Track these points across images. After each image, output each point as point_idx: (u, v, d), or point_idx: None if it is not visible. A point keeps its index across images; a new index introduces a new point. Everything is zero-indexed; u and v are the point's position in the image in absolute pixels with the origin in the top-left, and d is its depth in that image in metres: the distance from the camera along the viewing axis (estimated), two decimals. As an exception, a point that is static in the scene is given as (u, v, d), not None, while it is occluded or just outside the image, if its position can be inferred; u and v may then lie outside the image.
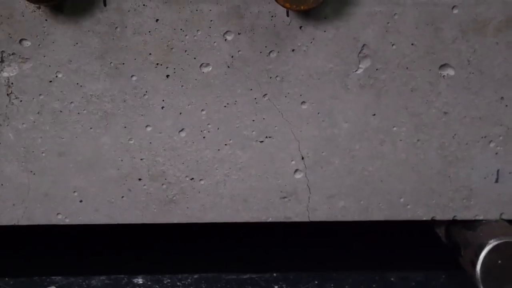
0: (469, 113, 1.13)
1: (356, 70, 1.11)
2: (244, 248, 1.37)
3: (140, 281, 1.22)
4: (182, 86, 1.11)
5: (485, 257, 1.12)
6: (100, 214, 1.16)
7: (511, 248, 1.12)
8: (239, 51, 1.10)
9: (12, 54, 1.08)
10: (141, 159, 1.14)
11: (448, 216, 1.18)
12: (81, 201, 1.15)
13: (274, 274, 1.24)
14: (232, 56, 1.10)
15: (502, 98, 1.13)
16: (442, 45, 1.10)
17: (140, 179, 1.15)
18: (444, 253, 1.27)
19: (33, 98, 1.10)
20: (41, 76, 1.09)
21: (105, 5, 1.07)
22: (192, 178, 1.15)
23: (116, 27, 1.08)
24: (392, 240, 1.39)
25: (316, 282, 1.22)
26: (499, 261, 1.12)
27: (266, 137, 1.14)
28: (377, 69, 1.11)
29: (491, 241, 1.12)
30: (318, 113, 1.13)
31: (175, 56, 1.09)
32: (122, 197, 1.15)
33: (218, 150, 1.14)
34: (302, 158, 1.15)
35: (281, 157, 1.15)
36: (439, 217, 1.18)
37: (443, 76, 1.12)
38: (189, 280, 1.22)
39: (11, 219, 1.15)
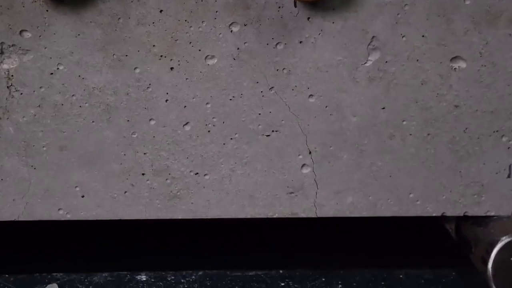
0: (480, 107, 1.11)
1: (365, 63, 1.09)
2: (250, 244, 1.35)
3: (143, 278, 1.21)
4: (186, 78, 1.09)
5: (496, 255, 1.11)
6: (102, 209, 1.14)
7: (523, 245, 1.11)
8: (245, 42, 1.08)
9: (12, 45, 1.06)
10: (145, 154, 1.12)
11: (459, 212, 1.16)
12: (83, 196, 1.13)
13: (280, 271, 1.23)
14: (238, 48, 1.08)
15: (515, 91, 1.11)
16: (453, 37, 1.08)
17: (143, 174, 1.13)
18: (454, 250, 1.26)
19: (34, 91, 1.08)
20: (42, 68, 1.07)
21: (107, -5, 1.05)
22: (197, 173, 1.13)
23: (119, 18, 1.06)
24: (401, 237, 1.38)
25: (323, 279, 1.21)
26: (511, 259, 1.10)
27: (273, 131, 1.12)
28: (386, 62, 1.09)
29: (503, 238, 1.11)
30: (326, 107, 1.11)
31: (179, 48, 1.07)
32: (125, 192, 1.14)
33: (224, 144, 1.12)
34: (310, 153, 1.13)
35: (288, 151, 1.13)
36: (449, 213, 1.16)
37: (454, 68, 1.10)
38: (193, 277, 1.21)
39: (12, 215, 1.14)
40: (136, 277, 1.21)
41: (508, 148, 1.13)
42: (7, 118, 1.09)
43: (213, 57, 1.08)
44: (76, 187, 1.13)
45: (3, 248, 1.31)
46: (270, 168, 1.14)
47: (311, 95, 1.11)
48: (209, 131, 1.11)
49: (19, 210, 1.13)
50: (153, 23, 1.06)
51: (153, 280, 1.20)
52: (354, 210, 1.16)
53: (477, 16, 1.07)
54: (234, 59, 1.08)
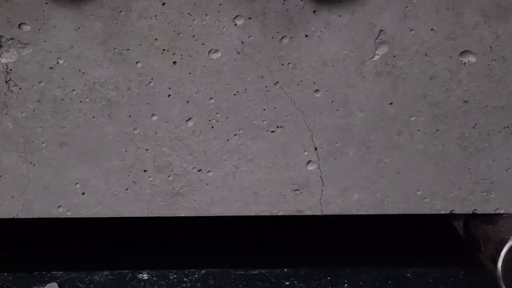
0: (490, 102, 1.09)
1: (373, 57, 1.07)
2: (254, 242, 1.34)
3: (145, 276, 1.20)
4: (189, 73, 1.07)
5: (506, 253, 1.09)
6: (103, 207, 1.13)
7: (533, 243, 1.09)
8: (249, 36, 1.06)
9: (11, 39, 1.04)
10: (146, 150, 1.10)
11: (468, 210, 1.14)
12: (83, 194, 1.12)
13: (285, 270, 1.21)
14: (242, 42, 1.06)
15: (526, 86, 1.09)
16: (463, 30, 1.06)
17: (145, 171, 1.11)
18: (462, 248, 1.25)
19: (33, 86, 1.06)
20: (41, 62, 1.05)
21: (108, -13, 1.03)
22: (200, 170, 1.11)
23: (120, 11, 1.04)
24: (407, 235, 1.36)
25: (329, 278, 1.19)
26: (522, 257, 1.09)
27: (278, 126, 1.10)
28: (394, 56, 1.07)
29: (513, 237, 1.10)
30: (332, 102, 1.09)
31: (182, 42, 1.05)
32: (126, 189, 1.12)
33: (227, 140, 1.10)
34: (315, 149, 1.11)
35: (293, 147, 1.11)
36: (458, 210, 1.14)
37: (464, 63, 1.08)
38: (196, 276, 1.20)
39: (10, 212, 1.12)
40: (138, 275, 1.20)
41: (519, 144, 1.12)
42: (6, 114, 1.07)
43: (216, 51, 1.06)
44: (76, 184, 1.11)
45: (2, 246, 1.30)
46: (275, 164, 1.12)
47: (317, 90, 1.09)
48: (212, 126, 1.10)
49: (18, 208, 1.12)
50: (155, 16, 1.04)
51: (155, 278, 1.19)
52: (361, 207, 1.14)
53: (487, 9, 1.05)
54: (238, 53, 1.06)
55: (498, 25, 1.06)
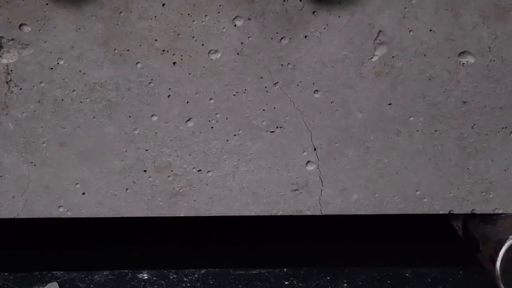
0: (489, 103, 1.09)
1: (372, 58, 1.07)
2: (253, 242, 1.33)
3: (145, 276, 1.19)
4: (189, 73, 1.07)
5: (505, 253, 1.09)
6: (103, 207, 1.12)
7: (532, 243, 1.09)
8: (249, 37, 1.06)
9: (12, 39, 1.04)
10: (146, 150, 1.10)
11: (466, 210, 1.14)
12: (83, 194, 1.12)
13: (285, 270, 1.21)
14: (241, 43, 1.06)
15: (524, 87, 1.09)
16: (461, 31, 1.06)
17: (145, 171, 1.11)
18: (461, 248, 1.24)
19: (34, 86, 1.06)
20: (42, 63, 1.05)
21: (108, -12, 1.03)
22: (200, 170, 1.11)
23: (121, 12, 1.04)
24: (407, 235, 1.36)
25: (328, 278, 1.19)
26: (520, 257, 1.09)
27: (277, 127, 1.10)
28: (393, 57, 1.07)
29: (511, 237, 1.09)
30: (332, 103, 1.09)
31: (182, 43, 1.05)
32: (127, 189, 1.12)
33: (227, 140, 1.10)
34: (315, 149, 1.11)
35: (293, 148, 1.11)
36: (456, 210, 1.14)
37: (463, 63, 1.08)
38: (196, 276, 1.19)
39: (11, 212, 1.12)
40: (138, 275, 1.19)
41: (517, 144, 1.12)
42: (6, 114, 1.07)
43: (216, 51, 1.06)
44: (76, 184, 1.11)
45: (2, 246, 1.29)
46: (274, 165, 1.12)
47: (316, 91, 1.09)
48: (212, 127, 1.10)
49: (19, 208, 1.12)
50: (155, 17, 1.04)
51: (155, 278, 1.18)
52: (360, 207, 1.14)
53: (486, 10, 1.05)
54: (238, 53, 1.06)
55: (496, 25, 1.06)
